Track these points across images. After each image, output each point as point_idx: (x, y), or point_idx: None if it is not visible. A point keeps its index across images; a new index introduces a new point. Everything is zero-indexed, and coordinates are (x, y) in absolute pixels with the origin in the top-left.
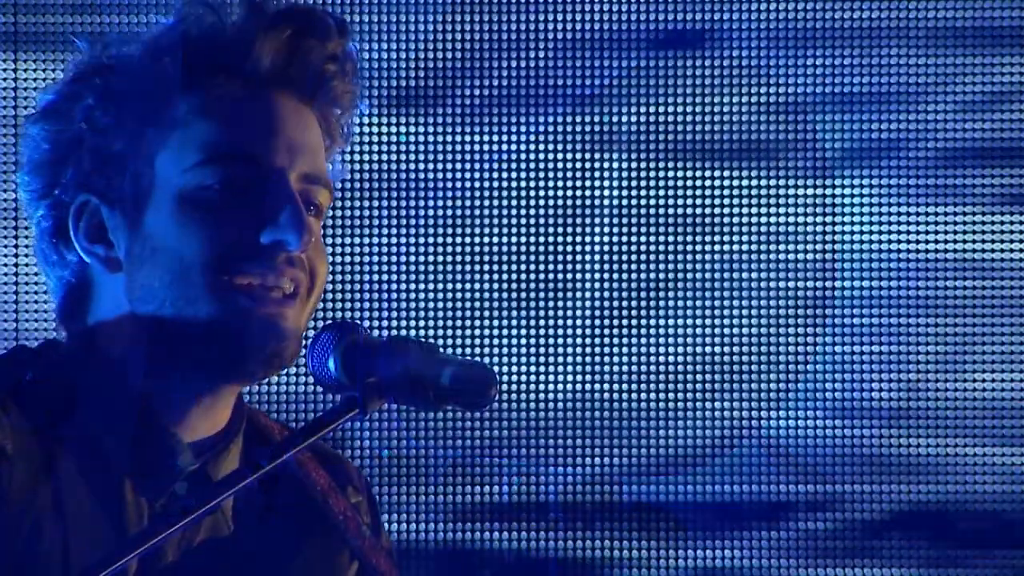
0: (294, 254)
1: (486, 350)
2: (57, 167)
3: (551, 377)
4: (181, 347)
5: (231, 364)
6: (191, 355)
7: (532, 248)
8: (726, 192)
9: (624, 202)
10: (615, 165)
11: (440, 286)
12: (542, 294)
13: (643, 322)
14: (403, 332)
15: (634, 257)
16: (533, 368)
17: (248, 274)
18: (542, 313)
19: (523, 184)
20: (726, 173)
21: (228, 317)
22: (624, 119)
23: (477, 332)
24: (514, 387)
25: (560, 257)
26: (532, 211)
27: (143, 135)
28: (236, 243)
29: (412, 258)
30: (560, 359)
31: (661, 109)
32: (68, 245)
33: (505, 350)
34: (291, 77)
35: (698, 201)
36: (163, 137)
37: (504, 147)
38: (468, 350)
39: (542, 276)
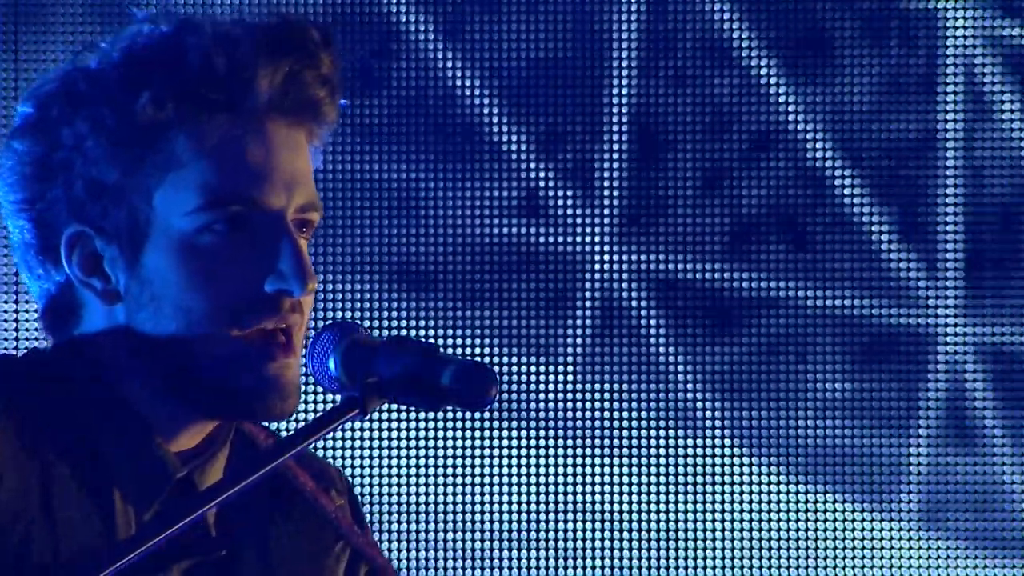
0: (298, 300)
1: (486, 350)
2: (42, 185)
3: (551, 377)
4: (181, 390)
5: (231, 414)
6: (191, 397)
7: (533, 247)
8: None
9: (624, 202)
10: (613, 159)
11: (440, 286)
12: (543, 294)
13: (643, 322)
14: (403, 332)
15: (635, 256)
16: (533, 368)
17: (252, 322)
18: (542, 313)
19: (523, 187)
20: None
21: (235, 373)
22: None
23: (478, 332)
24: (515, 387)
25: (560, 256)
26: (532, 210)
27: (139, 171)
28: (241, 294)
29: (412, 258)
30: (561, 360)
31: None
32: (56, 265)
33: (505, 350)
34: (284, 107)
35: (697, 208)
36: (160, 175)
37: (503, 147)
38: (468, 350)
39: (542, 276)
